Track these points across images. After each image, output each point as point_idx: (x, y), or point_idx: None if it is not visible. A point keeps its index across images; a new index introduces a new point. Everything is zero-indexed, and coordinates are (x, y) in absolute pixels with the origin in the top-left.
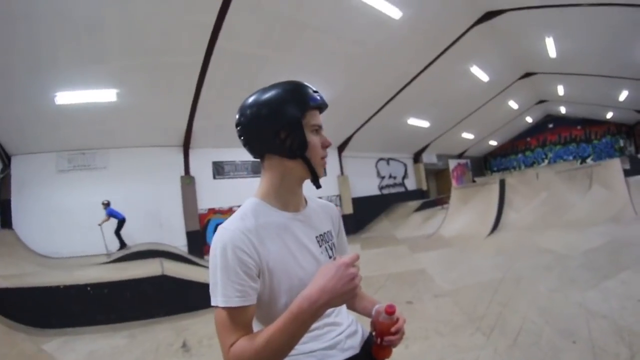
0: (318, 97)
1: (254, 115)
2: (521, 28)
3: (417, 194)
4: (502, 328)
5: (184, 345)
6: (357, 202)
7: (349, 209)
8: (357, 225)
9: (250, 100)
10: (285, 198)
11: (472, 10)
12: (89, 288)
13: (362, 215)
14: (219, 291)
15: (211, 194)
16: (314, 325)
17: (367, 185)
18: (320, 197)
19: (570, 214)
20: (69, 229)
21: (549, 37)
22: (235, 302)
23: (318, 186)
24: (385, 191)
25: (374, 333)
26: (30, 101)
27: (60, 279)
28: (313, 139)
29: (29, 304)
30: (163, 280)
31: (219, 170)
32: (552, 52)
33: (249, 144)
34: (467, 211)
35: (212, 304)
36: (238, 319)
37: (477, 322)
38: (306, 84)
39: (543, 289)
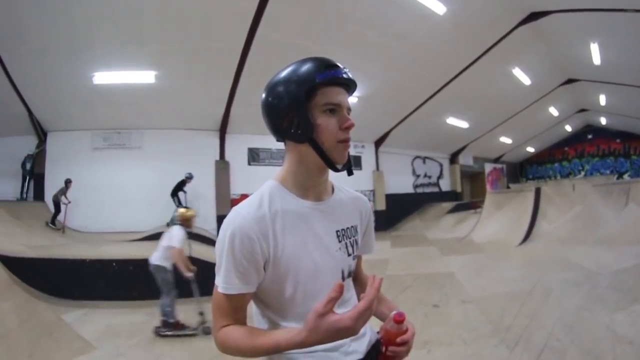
0: (331, 72)
1: (265, 99)
2: (566, 31)
3: (451, 195)
4: (526, 342)
5: (203, 323)
6: (391, 198)
7: (381, 205)
8: (388, 222)
9: (268, 83)
10: (304, 185)
11: (517, 10)
12: (114, 264)
13: (394, 212)
14: (221, 276)
15: (245, 179)
16: None
17: (401, 183)
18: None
19: (604, 230)
20: (99, 205)
21: (593, 42)
22: (234, 290)
23: (335, 169)
24: (420, 190)
25: (381, 340)
26: (68, 80)
27: (86, 252)
28: (324, 120)
29: (53, 275)
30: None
31: (254, 156)
32: (596, 58)
33: (269, 128)
34: (500, 217)
35: (216, 282)
36: (234, 305)
37: (503, 333)
38: (322, 57)
39: (571, 305)
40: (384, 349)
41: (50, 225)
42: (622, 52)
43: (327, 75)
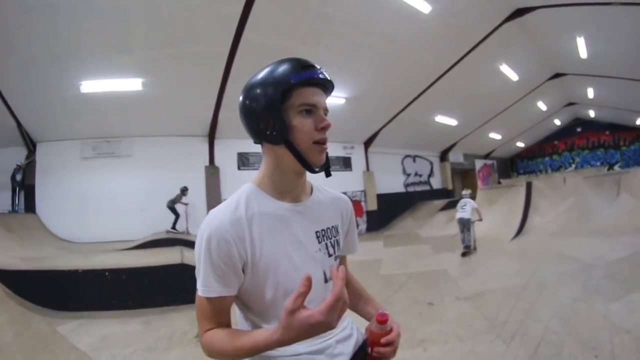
0: (306, 73)
1: (242, 101)
2: (552, 26)
3: (443, 193)
4: (523, 337)
5: (198, 335)
6: (382, 198)
7: (373, 205)
8: (380, 222)
9: (245, 85)
10: (281, 187)
11: (503, 6)
12: (107, 273)
13: (386, 212)
14: (200, 279)
15: (235, 184)
16: None
17: (392, 182)
18: (345, 192)
19: (597, 221)
20: (90, 215)
21: (580, 36)
22: (213, 293)
23: (312, 171)
24: (411, 189)
25: (367, 341)
26: (56, 89)
27: (78, 263)
28: (299, 121)
29: (47, 287)
30: (182, 269)
31: (244, 161)
32: (583, 52)
33: (246, 131)
34: (492, 213)
35: (197, 286)
36: (215, 308)
37: (498, 329)
38: (298, 58)
39: (566, 298)
40: (369, 350)
41: (172, 230)
42: (608, 44)
43: (302, 76)
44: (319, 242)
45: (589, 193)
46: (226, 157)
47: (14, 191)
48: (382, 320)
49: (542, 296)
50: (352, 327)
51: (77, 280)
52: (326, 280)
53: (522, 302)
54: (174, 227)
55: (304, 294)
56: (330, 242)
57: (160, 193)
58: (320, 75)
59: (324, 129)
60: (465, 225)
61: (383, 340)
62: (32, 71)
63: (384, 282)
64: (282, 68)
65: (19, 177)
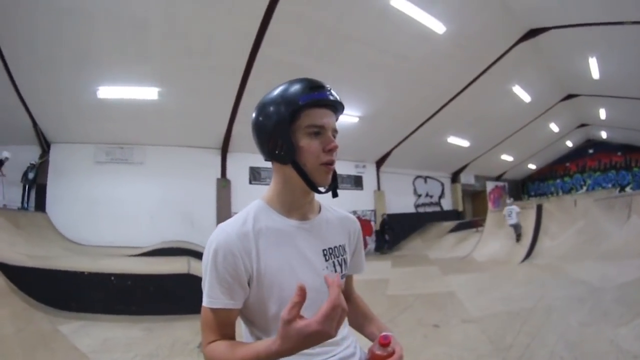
0: (314, 94)
1: (254, 119)
2: (564, 47)
3: (453, 214)
4: None
5: (200, 345)
6: (392, 218)
7: None
8: (390, 242)
9: (258, 103)
10: (289, 204)
11: (516, 27)
12: (112, 278)
13: (396, 232)
14: (206, 290)
15: (246, 198)
16: None
17: (403, 202)
18: (354, 212)
19: (607, 244)
20: (100, 218)
21: (592, 57)
22: (219, 304)
23: (317, 191)
24: (421, 209)
25: None
26: (73, 93)
27: (85, 265)
28: (307, 142)
29: (51, 286)
30: (188, 279)
31: (256, 175)
32: (595, 73)
33: (258, 148)
34: (502, 235)
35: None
36: (220, 320)
37: (504, 353)
38: (309, 79)
39: (574, 322)
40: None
41: None
42: (620, 65)
43: (311, 97)
44: (326, 260)
45: (600, 216)
46: (238, 171)
47: (24, 188)
48: (385, 343)
49: (549, 320)
50: (355, 346)
51: (82, 281)
52: None
53: (529, 326)
54: None
55: (299, 303)
56: (337, 260)
57: (170, 202)
58: (330, 97)
59: (331, 150)
60: (516, 228)
61: None
62: (51, 72)
63: (390, 303)
64: (293, 89)
65: (31, 175)
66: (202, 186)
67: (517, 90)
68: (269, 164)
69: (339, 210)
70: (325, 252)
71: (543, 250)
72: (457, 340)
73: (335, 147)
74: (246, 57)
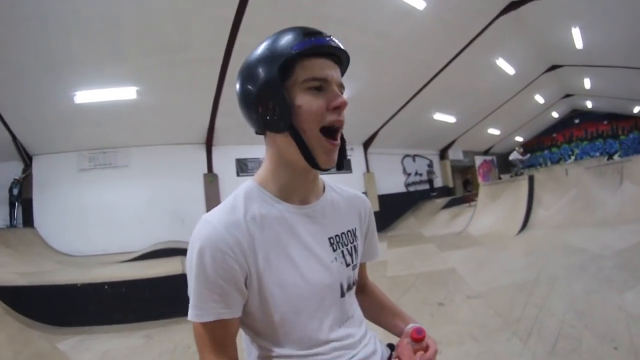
0: (311, 40)
1: (237, 90)
2: (546, 18)
3: (444, 190)
4: (539, 333)
5: None
6: (383, 199)
7: (375, 207)
8: (383, 223)
9: (240, 66)
10: (287, 185)
11: (497, 0)
12: (106, 286)
13: (388, 212)
14: (193, 301)
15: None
16: (316, 350)
17: (393, 183)
18: None
19: (601, 211)
20: (89, 227)
21: (575, 27)
22: (211, 316)
23: (318, 168)
24: (412, 188)
25: (396, 359)
26: (49, 101)
27: (77, 277)
28: (307, 100)
29: (46, 302)
30: (183, 279)
31: (243, 167)
32: (578, 43)
33: (246, 120)
34: (495, 208)
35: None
36: (216, 334)
37: (513, 326)
38: (303, 26)
39: (579, 290)
40: None
41: None
42: (603, 34)
43: (306, 44)
44: (334, 251)
45: (592, 183)
46: (224, 164)
47: (11, 206)
48: (419, 338)
49: (554, 290)
50: (375, 342)
51: (76, 294)
52: (343, 295)
53: (535, 297)
54: None
55: None
56: (347, 249)
57: (159, 202)
58: (332, 43)
59: (339, 108)
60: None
61: (419, 359)
62: (25, 83)
63: (391, 284)
64: (282, 39)
65: (15, 191)
66: (189, 183)
67: (501, 63)
68: (256, 154)
69: (346, 188)
70: (332, 240)
71: (538, 220)
72: (464, 317)
73: (345, 104)
74: (224, 46)
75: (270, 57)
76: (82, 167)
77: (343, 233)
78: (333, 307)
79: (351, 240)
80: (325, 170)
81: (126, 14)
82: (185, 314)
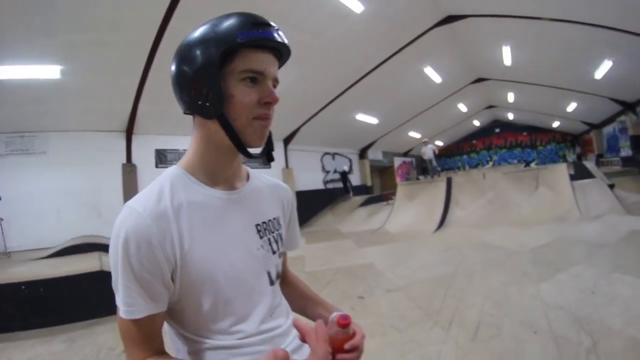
0: (258, 32)
1: (172, 70)
2: (480, 34)
3: (362, 189)
4: (460, 322)
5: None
6: (301, 195)
7: None
8: (300, 219)
9: (179, 44)
10: (213, 170)
11: (435, 12)
12: (23, 287)
13: (306, 209)
14: (120, 297)
15: None
16: (247, 340)
17: (311, 179)
18: None
19: (517, 212)
20: (4, 221)
21: (506, 45)
22: (140, 313)
23: (248, 155)
24: (330, 185)
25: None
26: None
27: None
28: (240, 91)
29: None
30: (102, 276)
31: (162, 158)
32: (507, 60)
33: (177, 99)
34: (413, 207)
35: (117, 304)
36: (145, 330)
37: (434, 317)
38: (251, 13)
39: (496, 283)
40: (331, 358)
41: None
42: (532, 54)
43: (252, 35)
44: (261, 238)
45: (509, 187)
46: (144, 154)
47: None
48: (345, 323)
49: (472, 283)
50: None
51: None
52: (272, 283)
53: (453, 290)
54: None
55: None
56: (273, 236)
57: (76, 193)
58: (277, 37)
59: (269, 103)
60: (430, 163)
61: (347, 345)
62: None
63: (310, 279)
64: (229, 23)
65: None
66: (107, 173)
67: (429, 71)
68: (176, 145)
69: (268, 177)
70: (258, 227)
71: (454, 219)
72: (385, 310)
73: (276, 100)
74: (155, 30)
75: (214, 40)
76: None
77: (269, 220)
78: (263, 296)
79: (276, 228)
80: (252, 155)
81: None
82: (107, 313)
